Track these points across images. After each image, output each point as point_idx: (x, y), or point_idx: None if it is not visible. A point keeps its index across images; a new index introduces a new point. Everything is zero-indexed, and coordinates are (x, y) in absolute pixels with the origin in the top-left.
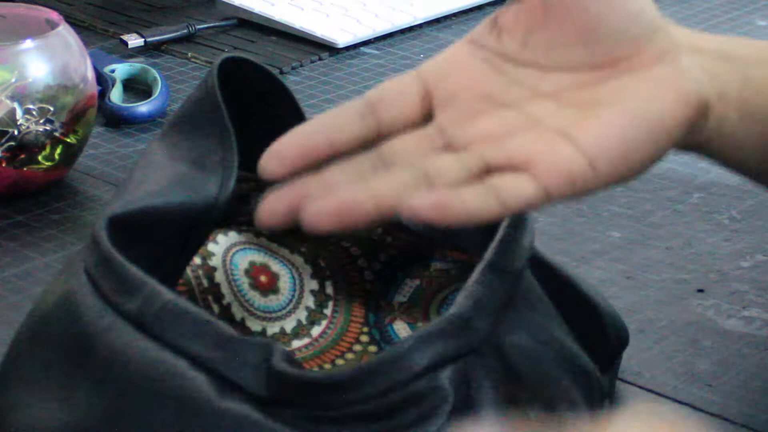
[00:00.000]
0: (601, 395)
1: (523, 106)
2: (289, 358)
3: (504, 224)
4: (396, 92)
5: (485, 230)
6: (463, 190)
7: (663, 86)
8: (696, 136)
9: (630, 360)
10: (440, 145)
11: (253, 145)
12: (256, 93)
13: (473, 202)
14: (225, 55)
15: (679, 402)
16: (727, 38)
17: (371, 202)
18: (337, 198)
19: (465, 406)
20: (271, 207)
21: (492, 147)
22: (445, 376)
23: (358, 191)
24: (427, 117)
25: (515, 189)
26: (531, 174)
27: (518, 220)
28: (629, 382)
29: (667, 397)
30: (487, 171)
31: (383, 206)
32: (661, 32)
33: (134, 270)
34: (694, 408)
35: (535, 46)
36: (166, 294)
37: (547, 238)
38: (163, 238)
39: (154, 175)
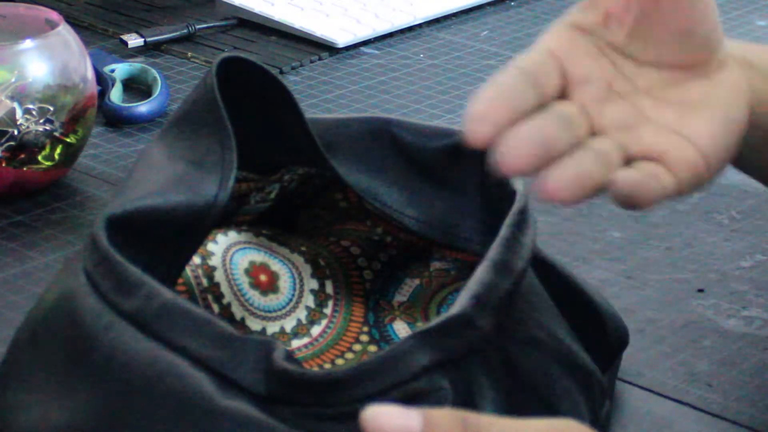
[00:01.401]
0: (602, 395)
1: (632, 99)
2: (290, 356)
3: (506, 223)
4: (546, 67)
5: (487, 229)
6: (645, 173)
7: (735, 92)
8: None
9: (630, 360)
10: (588, 123)
11: (253, 145)
12: (255, 93)
13: (656, 186)
14: (224, 54)
15: (679, 402)
16: (744, 45)
17: (599, 174)
18: (573, 169)
19: (465, 405)
20: (516, 150)
21: (627, 136)
22: (446, 375)
23: (587, 163)
24: (561, 94)
25: (665, 178)
26: (666, 167)
27: (520, 219)
28: (629, 382)
29: (667, 397)
30: (627, 161)
31: (602, 181)
32: (723, 40)
33: (133, 269)
34: (694, 408)
35: (637, 38)
36: (166, 293)
37: (547, 238)
38: (162, 238)
39: (153, 175)
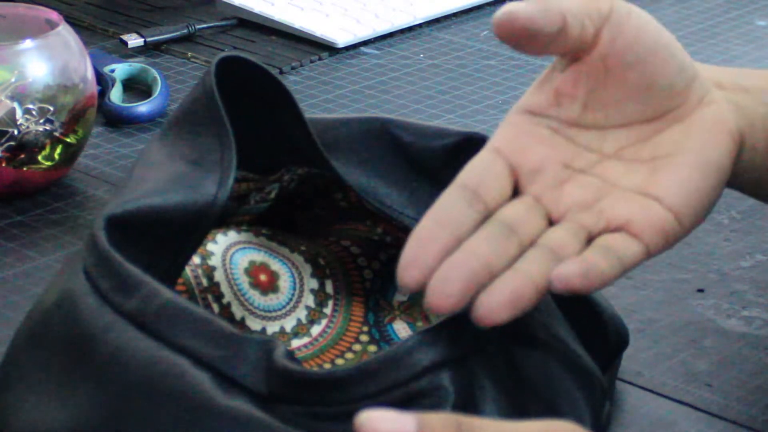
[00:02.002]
0: (603, 396)
1: (596, 170)
2: (290, 355)
3: None
4: (489, 174)
5: None
6: (592, 257)
7: (713, 129)
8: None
9: (630, 360)
10: (542, 215)
11: (252, 145)
12: (254, 92)
13: (605, 267)
14: (223, 54)
15: (679, 402)
16: (736, 70)
17: (532, 286)
18: (506, 289)
19: (466, 405)
20: (442, 290)
21: (587, 215)
22: (447, 375)
23: (518, 278)
24: (514, 191)
25: (626, 249)
26: (631, 234)
27: None
28: (629, 382)
29: (667, 397)
30: (590, 238)
31: (540, 286)
32: (697, 77)
33: (133, 269)
34: (694, 408)
35: (594, 107)
36: (166, 293)
37: None
38: (162, 238)
39: (152, 175)
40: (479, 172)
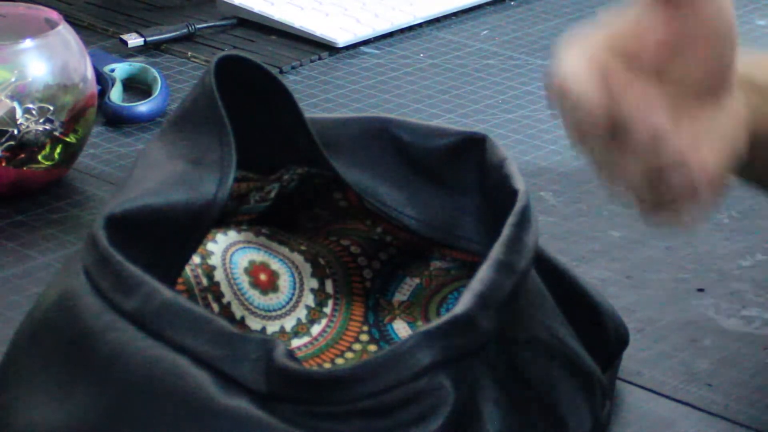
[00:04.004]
0: (603, 395)
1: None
2: (291, 354)
3: (509, 222)
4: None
5: (487, 229)
6: None
7: (737, 121)
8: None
9: (630, 359)
10: None
11: (252, 144)
12: (253, 91)
13: None
14: (222, 53)
15: (679, 401)
16: (750, 59)
17: None
18: None
19: (467, 405)
20: None
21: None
22: (447, 375)
23: None
24: None
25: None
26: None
27: (523, 219)
28: (629, 382)
29: (667, 397)
30: None
31: None
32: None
33: (133, 268)
34: (694, 407)
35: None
36: (165, 292)
37: (547, 238)
38: (162, 237)
39: (152, 174)
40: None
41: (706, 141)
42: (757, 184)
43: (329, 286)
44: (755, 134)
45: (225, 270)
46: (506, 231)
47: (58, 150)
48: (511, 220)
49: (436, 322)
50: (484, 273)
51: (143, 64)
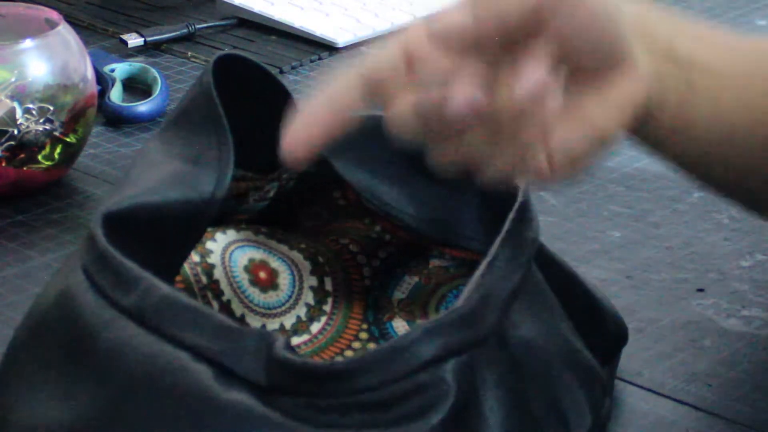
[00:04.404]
0: (603, 392)
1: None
2: (290, 346)
3: (509, 218)
4: (388, 66)
5: (487, 227)
6: None
7: (623, 104)
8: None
9: (629, 359)
10: None
11: (251, 144)
12: (252, 90)
13: None
14: (220, 52)
15: (679, 401)
16: (681, 27)
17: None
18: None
19: (468, 399)
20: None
21: None
22: (449, 368)
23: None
24: None
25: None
26: None
27: (523, 215)
28: (629, 382)
29: (667, 397)
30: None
31: None
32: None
33: (131, 265)
34: (694, 407)
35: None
36: (164, 287)
37: (547, 238)
38: (159, 235)
39: (150, 173)
40: (378, 64)
41: (577, 111)
42: (653, 149)
43: (329, 284)
44: (660, 101)
45: (224, 268)
46: (507, 227)
47: (58, 150)
48: (512, 216)
49: (437, 316)
50: (485, 269)
51: (143, 64)
